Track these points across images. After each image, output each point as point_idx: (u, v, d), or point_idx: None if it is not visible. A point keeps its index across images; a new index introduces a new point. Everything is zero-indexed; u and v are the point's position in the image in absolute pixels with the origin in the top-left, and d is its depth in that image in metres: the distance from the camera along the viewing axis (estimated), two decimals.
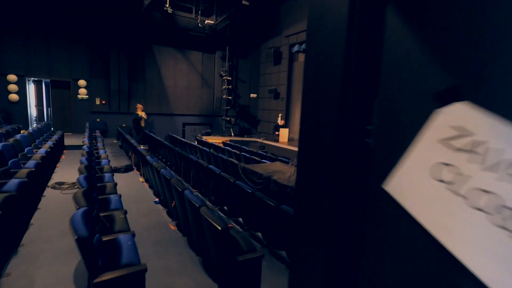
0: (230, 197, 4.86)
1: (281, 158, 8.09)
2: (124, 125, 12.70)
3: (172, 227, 4.31)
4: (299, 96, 12.99)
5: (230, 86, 13.93)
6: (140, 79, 13.02)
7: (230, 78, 13.86)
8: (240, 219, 4.77)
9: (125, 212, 3.02)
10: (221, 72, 13.78)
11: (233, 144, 10.86)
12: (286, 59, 13.09)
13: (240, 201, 4.43)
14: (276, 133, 12.48)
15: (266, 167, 5.80)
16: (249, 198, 4.06)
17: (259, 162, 7.36)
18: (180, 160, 7.39)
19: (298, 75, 13.02)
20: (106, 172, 4.61)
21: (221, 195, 5.25)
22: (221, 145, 11.46)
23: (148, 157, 5.36)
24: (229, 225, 2.58)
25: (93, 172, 4.29)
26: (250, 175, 5.65)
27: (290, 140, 12.90)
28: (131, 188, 5.91)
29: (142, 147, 7.56)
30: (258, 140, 12.99)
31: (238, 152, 8.39)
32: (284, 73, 13.25)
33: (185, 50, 13.66)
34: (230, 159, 6.64)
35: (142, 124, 11.10)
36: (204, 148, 8.33)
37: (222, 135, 13.55)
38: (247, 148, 9.70)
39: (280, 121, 12.60)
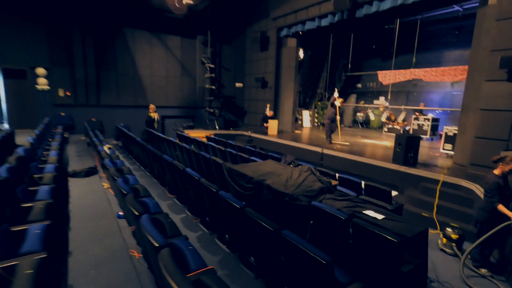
0: (213, 210, 3.82)
1: (272, 154, 7.08)
2: (93, 119, 11.28)
3: (136, 254, 3.25)
4: (289, 84, 11.94)
5: (213, 75, 12.69)
6: (111, 67, 11.57)
7: (213, 66, 12.62)
8: (227, 236, 3.75)
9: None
10: (203, 59, 12.50)
11: (217, 138, 9.76)
12: (274, 44, 11.98)
13: (226, 217, 3.40)
14: (265, 125, 11.45)
15: (257, 168, 4.77)
16: (237, 216, 3.04)
17: (248, 160, 6.32)
18: (154, 161, 6.24)
19: (287, 62, 11.95)
20: (45, 184, 3.44)
21: (201, 204, 4.20)
22: (205, 140, 10.34)
23: (107, 161, 4.21)
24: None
25: (21, 187, 3.12)
26: (238, 178, 4.61)
27: (280, 132, 11.91)
28: (89, 198, 4.75)
29: (107, 146, 6.33)
30: (246, 133, 11.94)
31: (223, 149, 7.31)
32: (272, 60, 12.15)
33: (161, 34, 12.26)
34: (213, 158, 5.57)
35: (155, 125, 10.20)
36: (184, 144, 7.19)
37: (206, 128, 12.38)
38: (233, 143, 8.63)
39: (268, 112, 11.56)
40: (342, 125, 8.86)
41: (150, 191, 3.58)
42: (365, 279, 2.68)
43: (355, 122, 16.48)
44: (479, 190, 4.90)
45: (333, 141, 9.11)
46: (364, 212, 3.29)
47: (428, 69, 11.24)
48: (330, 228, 3.16)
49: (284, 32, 11.54)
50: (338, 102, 8.80)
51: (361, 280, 2.52)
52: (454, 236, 4.19)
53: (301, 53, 12.84)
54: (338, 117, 8.92)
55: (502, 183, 3.59)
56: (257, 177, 4.21)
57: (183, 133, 10.27)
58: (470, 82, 6.57)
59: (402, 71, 12.05)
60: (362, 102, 16.06)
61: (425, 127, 11.05)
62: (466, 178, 5.58)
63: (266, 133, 11.37)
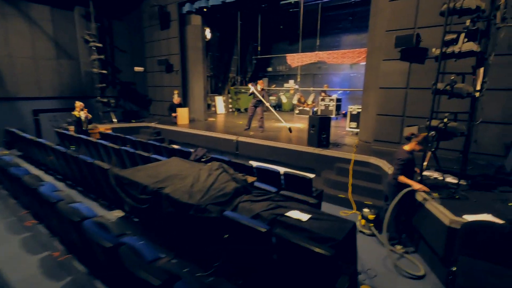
0: (80, 250, 2.66)
1: (182, 149, 6.06)
2: None
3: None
4: (198, 68, 10.81)
5: (102, 56, 10.43)
6: None
7: (101, 45, 10.33)
8: None
9: None
10: (86, 37, 10.08)
11: (113, 134, 8.02)
12: (176, 21, 10.53)
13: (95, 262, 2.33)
14: (173, 114, 10.13)
15: (156, 171, 3.73)
16: (109, 261, 2.03)
17: (148, 159, 5.15)
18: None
19: (193, 42, 10.73)
20: None
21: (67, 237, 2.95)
22: (98, 136, 8.43)
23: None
24: None
25: None
26: (130, 188, 3.48)
27: (191, 121, 10.79)
28: None
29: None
30: (151, 124, 10.36)
31: (117, 147, 5.86)
32: (175, 40, 10.71)
33: (20, 1, 9.24)
34: (97, 162, 4.22)
35: (84, 126, 8.18)
36: (57, 147, 5.43)
37: (100, 122, 10.21)
38: (133, 138, 7.16)
39: (176, 99, 10.24)
40: (262, 108, 8.32)
41: None
42: None
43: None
44: (386, 166, 5.08)
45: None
46: (287, 214, 2.72)
47: (331, 51, 11.83)
48: (249, 242, 2.48)
49: (186, 8, 10.21)
50: (259, 87, 8.20)
51: None
52: (371, 217, 4.14)
53: (208, 33, 11.76)
54: (267, 104, 8.36)
55: (411, 159, 3.67)
56: (154, 185, 3.20)
57: (65, 131, 8.09)
58: (369, 62, 6.88)
59: (308, 54, 12.40)
60: (274, 85, 16.20)
61: (330, 107, 11.71)
62: (371, 154, 5.81)
63: (175, 123, 10.09)
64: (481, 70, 3.31)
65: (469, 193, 3.66)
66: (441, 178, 4.18)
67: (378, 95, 6.45)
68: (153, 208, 3.14)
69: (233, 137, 7.24)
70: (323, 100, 11.84)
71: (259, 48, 14.85)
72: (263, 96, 8.12)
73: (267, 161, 7.29)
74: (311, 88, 11.70)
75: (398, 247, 3.88)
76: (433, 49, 3.66)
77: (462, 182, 3.88)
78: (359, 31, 13.31)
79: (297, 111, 12.95)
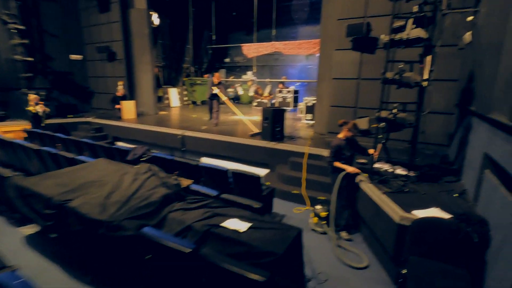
0: None
1: (121, 147, 5.34)
2: None
3: None
4: (145, 57, 9.85)
5: (26, 41, 8.97)
6: None
7: (23, 28, 8.85)
8: None
9: None
10: (4, 17, 8.54)
11: (40, 132, 6.90)
12: (117, 3, 9.43)
13: None
14: (116, 106, 9.13)
15: (69, 177, 3.06)
16: None
17: (73, 161, 4.37)
18: None
19: (138, 28, 9.71)
20: None
21: None
22: (25, 135, 7.26)
23: None
24: None
25: None
26: (33, 200, 2.79)
27: (140, 115, 9.87)
28: None
29: None
30: (89, 119, 9.23)
31: (36, 148, 4.95)
32: (117, 25, 9.60)
33: None
34: None
35: (43, 122, 7.40)
36: None
37: (28, 118, 8.81)
38: (63, 136, 6.20)
39: (119, 91, 9.22)
40: (219, 101, 7.76)
41: None
42: None
43: None
44: None
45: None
46: (223, 224, 2.30)
47: (287, 42, 11.59)
48: (173, 264, 2.02)
49: None
50: (215, 79, 7.61)
51: None
52: (323, 214, 3.92)
53: (155, 19, 10.76)
54: (225, 98, 7.77)
55: (344, 145, 3.70)
56: (59, 197, 2.56)
57: None
58: (323, 52, 6.69)
59: (265, 44, 12.05)
60: (232, 77, 15.65)
61: (288, 99, 11.54)
62: (326, 147, 5.65)
63: (120, 118, 9.11)
64: (429, 58, 3.18)
65: (418, 185, 3.58)
66: (391, 170, 4.10)
67: (331, 86, 6.31)
68: (60, 225, 2.52)
69: (179, 132, 6.63)
70: (280, 92, 11.62)
71: (213, 37, 14.12)
72: (220, 89, 7.58)
73: (220, 157, 6.83)
74: (268, 79, 11.39)
75: (343, 233, 3.86)
76: (382, 36, 3.46)
77: (411, 173, 3.82)
78: (315, 23, 13.18)
79: (255, 104, 12.59)
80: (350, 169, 3.65)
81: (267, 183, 5.39)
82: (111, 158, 5.50)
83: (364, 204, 3.73)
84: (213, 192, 3.01)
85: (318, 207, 4.01)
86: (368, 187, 3.57)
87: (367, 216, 3.66)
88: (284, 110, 6.17)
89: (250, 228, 2.26)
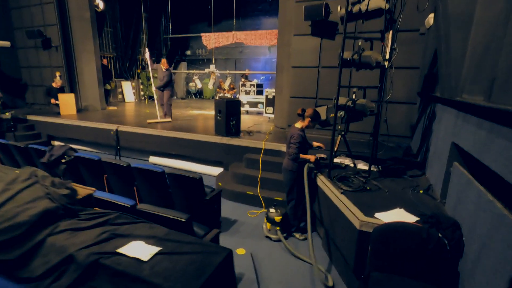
0: None
1: (41, 148, 4.38)
2: None
3: None
4: (87, 44, 8.68)
5: None
6: None
7: None
8: None
9: None
10: None
11: None
12: None
13: None
14: (53, 101, 7.92)
15: None
16: None
17: None
18: None
19: (77, 11, 8.50)
20: None
21: None
22: None
23: None
24: None
25: None
26: None
27: (84, 110, 8.72)
28: None
29: None
30: (7, 116, 7.89)
31: None
32: (51, 6, 8.33)
33: None
34: None
35: None
36: None
37: None
38: None
39: (56, 82, 8.00)
40: (170, 92, 6.96)
41: None
42: None
43: (188, 93, 15.11)
44: None
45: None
46: (121, 250, 1.62)
47: (248, 32, 11.00)
48: None
49: None
50: (162, 66, 6.78)
51: None
52: (277, 218, 3.38)
53: (100, 2, 9.54)
54: (153, 88, 6.96)
55: (304, 137, 3.35)
56: None
57: None
58: (281, 39, 6.16)
59: (225, 33, 11.35)
60: (194, 70, 14.73)
61: (251, 93, 10.97)
62: (285, 142, 5.14)
63: (58, 113, 7.92)
64: (390, 34, 2.73)
65: (381, 181, 3.16)
66: (352, 165, 3.66)
67: (290, 75, 5.81)
68: None
69: (112, 127, 5.75)
70: (243, 85, 11.00)
71: (170, 26, 13.09)
72: (168, 76, 6.78)
73: (172, 156, 6.07)
74: (227, 71, 10.70)
75: (297, 234, 3.50)
76: (338, 8, 2.97)
77: (374, 168, 3.40)
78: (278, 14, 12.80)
79: (217, 98, 11.85)
80: (313, 158, 3.34)
81: (219, 184, 4.79)
82: (27, 159, 4.53)
83: (322, 204, 3.25)
84: (127, 202, 2.30)
85: (272, 210, 3.46)
86: (325, 184, 3.08)
87: (325, 219, 3.18)
88: (239, 102, 5.55)
89: (158, 254, 1.61)
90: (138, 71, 12.85)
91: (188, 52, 15.79)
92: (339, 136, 3.52)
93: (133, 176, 3.62)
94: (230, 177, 4.90)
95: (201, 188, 3.26)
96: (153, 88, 7.07)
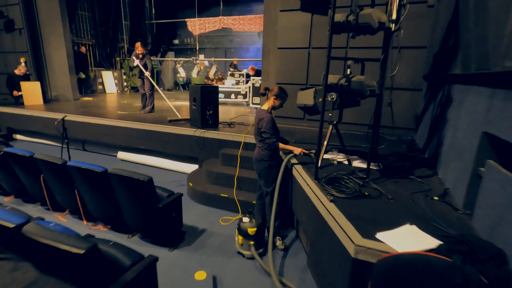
0: None
1: None
2: None
3: None
4: (56, 28, 7.81)
5: None
6: None
7: None
8: None
9: None
10: None
11: None
12: None
13: None
14: (15, 93, 7.08)
15: None
16: None
17: None
18: None
19: None
20: None
21: None
22: None
23: None
24: None
25: None
26: None
27: (53, 100, 7.90)
28: None
29: None
30: None
31: None
32: None
33: None
34: None
35: None
36: None
37: None
38: None
39: (19, 69, 7.16)
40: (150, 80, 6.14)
41: None
42: None
43: (176, 84, 14.27)
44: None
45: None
46: None
47: (236, 17, 10.15)
48: None
49: None
50: (137, 51, 5.95)
51: None
52: (251, 231, 2.66)
53: None
54: (147, 73, 6.10)
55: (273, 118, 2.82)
56: None
57: None
58: (267, 17, 5.37)
59: (212, 19, 10.52)
60: (178, 58, 13.87)
61: (241, 83, 10.19)
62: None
63: (22, 104, 7.10)
64: None
65: (382, 184, 2.46)
66: (346, 162, 2.95)
67: (276, 58, 5.05)
68: None
69: (58, 116, 4.94)
70: (232, 75, 10.21)
71: (153, 12, 12.19)
72: (143, 65, 5.97)
73: (141, 152, 5.32)
74: (212, 59, 9.87)
75: (278, 241, 2.87)
76: None
77: (373, 166, 2.69)
78: None
79: None
80: (298, 150, 2.83)
81: (190, 184, 4.06)
82: None
83: (304, 209, 2.54)
84: (12, 220, 1.55)
85: (245, 220, 2.74)
86: (310, 187, 2.37)
87: (309, 230, 2.47)
88: (217, 88, 4.79)
89: None
90: (118, 59, 11.96)
91: (176, 41, 14.91)
92: (330, 126, 2.79)
93: (71, 177, 2.87)
94: (204, 176, 4.17)
95: (150, 192, 2.53)
96: (147, 73, 6.16)
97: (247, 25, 9.69)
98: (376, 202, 2.15)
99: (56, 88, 8.16)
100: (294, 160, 2.98)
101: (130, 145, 5.24)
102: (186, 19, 11.32)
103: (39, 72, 8.04)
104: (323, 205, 2.10)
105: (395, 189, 2.36)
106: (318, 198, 2.21)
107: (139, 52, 5.96)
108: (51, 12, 7.72)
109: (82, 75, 9.33)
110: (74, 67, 8.27)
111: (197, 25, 10.55)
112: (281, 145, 2.81)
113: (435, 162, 2.96)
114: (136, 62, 5.86)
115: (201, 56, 13.86)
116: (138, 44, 5.97)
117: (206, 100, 4.58)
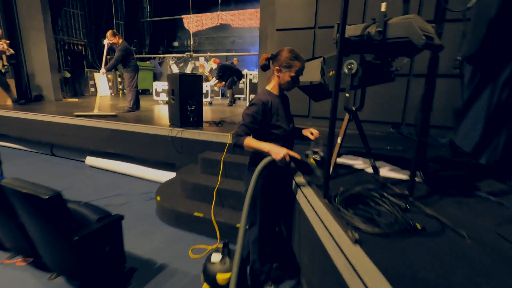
0: None
1: None
2: None
3: None
4: (36, 21, 7.14)
5: None
6: None
7: None
8: None
9: None
10: None
11: None
12: None
13: None
14: None
15: None
16: None
17: None
18: None
19: None
20: None
21: None
22: None
23: None
24: None
25: None
26: None
27: (28, 102, 7.14)
28: None
29: None
30: None
31: None
32: None
33: None
34: None
35: None
36: None
37: None
38: None
39: None
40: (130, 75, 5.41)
41: None
42: None
43: None
44: None
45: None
46: None
47: (235, 12, 9.36)
48: None
49: None
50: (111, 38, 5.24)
51: None
52: (221, 279, 1.68)
53: None
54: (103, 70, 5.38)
55: (275, 105, 1.61)
56: None
57: None
58: None
59: (209, 15, 9.75)
60: (182, 64, 13.18)
61: (241, 85, 9.34)
62: None
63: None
64: None
65: (436, 205, 1.47)
66: (369, 170, 1.98)
67: (274, 43, 4.15)
68: None
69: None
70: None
71: (148, 10, 11.54)
72: (120, 51, 5.23)
73: (112, 157, 4.43)
74: (208, 54, 9.04)
75: None
76: None
77: (417, 178, 1.71)
78: None
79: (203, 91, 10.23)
80: (282, 152, 1.44)
81: (157, 198, 3.11)
82: None
83: (308, 255, 1.55)
84: None
85: (215, 257, 1.77)
86: (316, 213, 1.39)
87: (317, 283, 1.48)
88: (200, 78, 3.87)
89: None
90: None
91: (176, 44, 14.27)
92: (347, 116, 1.84)
93: None
94: (179, 188, 3.22)
95: (58, 217, 1.59)
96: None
97: (247, 20, 8.88)
98: (438, 243, 1.17)
99: (35, 87, 7.42)
100: (291, 164, 2.02)
101: (98, 148, 4.36)
102: (183, 16, 10.60)
103: (17, 70, 7.31)
104: (339, 248, 1.13)
105: (462, 216, 1.38)
106: (330, 234, 1.23)
107: (110, 42, 5.20)
108: (32, 7, 7.04)
109: (67, 74, 8.61)
110: (58, 65, 7.55)
111: (194, 22, 9.80)
112: (249, 142, 1.52)
113: (502, 170, 1.97)
114: (105, 49, 5.13)
115: (201, 59, 13.18)
116: (109, 33, 5.20)
117: (186, 93, 3.67)
